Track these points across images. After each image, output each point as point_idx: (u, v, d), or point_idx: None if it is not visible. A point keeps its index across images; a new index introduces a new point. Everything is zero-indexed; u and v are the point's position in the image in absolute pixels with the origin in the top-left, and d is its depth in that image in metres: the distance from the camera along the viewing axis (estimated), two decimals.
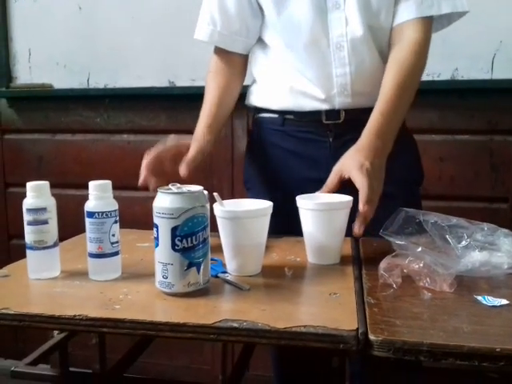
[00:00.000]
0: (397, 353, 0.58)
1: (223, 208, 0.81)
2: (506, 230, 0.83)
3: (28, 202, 0.79)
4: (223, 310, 0.69)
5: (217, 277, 0.80)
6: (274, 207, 0.83)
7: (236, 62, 1.14)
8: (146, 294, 0.74)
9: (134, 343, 1.12)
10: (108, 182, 0.80)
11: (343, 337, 0.60)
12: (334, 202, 0.88)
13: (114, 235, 0.79)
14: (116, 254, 0.80)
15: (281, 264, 0.88)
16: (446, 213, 0.84)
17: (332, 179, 0.93)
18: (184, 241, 0.70)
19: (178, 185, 0.74)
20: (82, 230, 0.82)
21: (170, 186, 0.74)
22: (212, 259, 0.80)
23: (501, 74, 1.61)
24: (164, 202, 0.71)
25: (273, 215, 0.83)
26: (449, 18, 1.07)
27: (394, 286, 0.75)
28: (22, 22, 1.98)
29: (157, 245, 0.72)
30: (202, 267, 0.73)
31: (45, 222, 0.80)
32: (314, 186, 0.94)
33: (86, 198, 0.79)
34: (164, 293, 0.73)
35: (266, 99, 1.14)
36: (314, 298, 0.73)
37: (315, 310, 0.69)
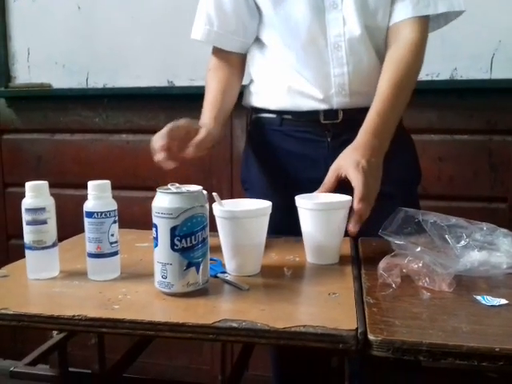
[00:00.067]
0: (396, 353, 0.58)
1: (222, 208, 0.81)
2: (504, 230, 0.83)
3: (27, 202, 0.79)
4: (222, 310, 0.69)
5: (216, 277, 0.80)
6: (273, 207, 0.83)
7: (234, 61, 1.15)
8: (145, 294, 0.74)
9: (133, 343, 1.12)
10: (107, 182, 0.80)
11: (342, 337, 0.60)
12: (332, 202, 0.88)
13: (113, 235, 0.79)
14: (115, 253, 0.80)
15: (280, 264, 0.88)
16: (445, 212, 0.84)
17: (329, 178, 0.93)
18: (183, 241, 0.70)
19: (177, 185, 0.74)
20: (81, 229, 0.82)
21: (169, 185, 0.74)
22: (211, 259, 0.80)
23: (500, 73, 1.61)
24: (163, 201, 0.71)
25: (271, 215, 0.83)
26: (445, 18, 1.08)
27: (393, 285, 0.75)
28: (21, 21, 1.98)
29: (156, 245, 0.72)
30: (201, 267, 0.73)
31: (44, 222, 0.79)
32: (313, 185, 0.94)
33: (84, 197, 0.79)
34: (163, 293, 0.73)
35: (264, 99, 1.14)
36: (314, 298, 0.73)
37: (314, 309, 0.69)
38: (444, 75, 1.65)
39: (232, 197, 1.73)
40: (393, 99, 0.98)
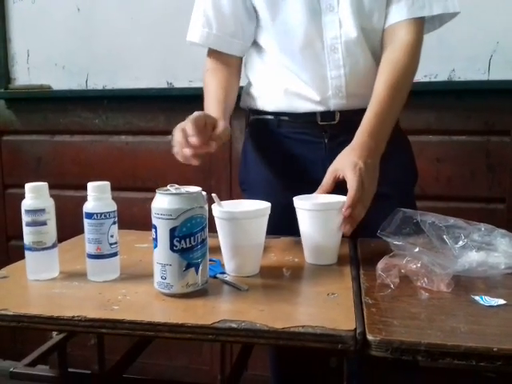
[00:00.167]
0: (394, 353, 0.58)
1: (221, 209, 0.81)
2: (502, 231, 0.84)
3: (27, 203, 0.79)
4: (222, 311, 0.69)
5: (215, 277, 0.81)
6: (271, 208, 0.83)
7: (232, 63, 1.14)
8: (145, 294, 0.74)
9: (132, 344, 1.12)
10: (106, 183, 0.80)
11: (341, 337, 0.60)
12: (330, 202, 0.88)
13: (112, 236, 0.79)
14: (115, 254, 0.81)
15: (279, 264, 0.88)
16: (444, 213, 0.85)
17: (327, 180, 0.94)
18: (182, 241, 0.71)
19: (177, 186, 0.74)
20: (81, 230, 0.82)
21: (168, 186, 0.74)
22: (210, 260, 0.80)
23: (497, 75, 1.61)
24: (162, 202, 0.71)
25: (270, 216, 0.83)
26: (440, 19, 1.08)
27: (392, 286, 0.75)
28: (21, 23, 1.98)
29: (155, 246, 0.73)
30: (200, 268, 0.73)
31: (43, 223, 0.80)
32: (311, 186, 0.94)
33: (84, 199, 0.79)
34: (163, 293, 0.73)
35: (261, 101, 1.14)
36: (312, 299, 0.73)
37: (313, 310, 0.69)
38: (442, 76, 1.66)
39: (231, 198, 1.73)
40: (389, 100, 0.99)
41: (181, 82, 1.85)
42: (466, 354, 0.57)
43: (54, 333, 1.05)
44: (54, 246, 0.82)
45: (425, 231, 0.80)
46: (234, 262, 0.82)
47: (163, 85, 1.88)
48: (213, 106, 1.04)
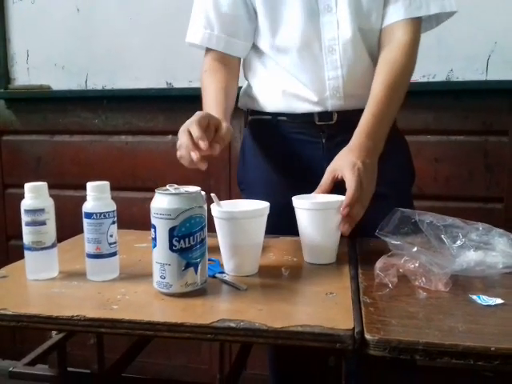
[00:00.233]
0: (392, 352, 0.58)
1: (220, 209, 0.81)
2: (500, 230, 0.84)
3: (26, 203, 0.80)
4: (220, 310, 0.70)
5: (214, 277, 0.81)
6: (269, 208, 0.84)
7: (231, 63, 1.13)
8: (144, 294, 0.74)
9: (132, 343, 1.12)
10: (106, 183, 0.80)
11: (339, 336, 0.60)
12: (329, 202, 0.88)
13: (111, 236, 0.80)
14: (114, 254, 0.81)
15: (278, 264, 0.88)
16: (442, 213, 0.85)
17: (326, 180, 0.94)
18: (182, 241, 0.71)
19: (176, 185, 0.75)
20: (80, 230, 0.83)
21: (167, 186, 0.74)
22: (209, 259, 0.80)
23: (496, 75, 1.62)
24: (162, 202, 0.71)
25: (268, 215, 0.84)
26: (437, 19, 1.08)
27: (390, 285, 0.76)
28: (21, 23, 1.98)
29: (154, 245, 0.73)
30: (199, 267, 0.73)
31: (43, 223, 0.80)
32: (309, 186, 0.94)
33: (84, 198, 0.80)
34: (162, 293, 0.73)
35: (259, 102, 1.14)
36: (311, 298, 0.74)
37: (312, 309, 0.69)
38: (440, 76, 1.66)
39: (230, 198, 1.74)
40: (387, 100, 0.99)
41: (180, 82, 1.86)
42: (464, 353, 0.57)
43: (54, 332, 1.06)
44: (53, 245, 0.82)
45: (423, 231, 0.81)
46: (233, 261, 0.82)
47: (163, 85, 1.88)
48: (213, 107, 1.02)
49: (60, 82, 1.97)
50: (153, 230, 0.72)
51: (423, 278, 0.75)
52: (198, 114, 0.86)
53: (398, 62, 1.01)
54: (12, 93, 2.00)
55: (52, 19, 1.94)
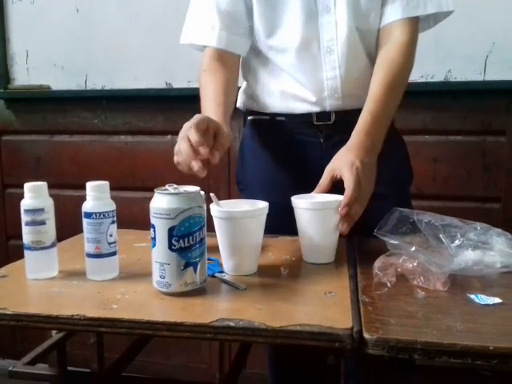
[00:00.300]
0: (391, 351, 0.58)
1: (220, 208, 0.82)
2: (498, 230, 0.84)
3: (26, 203, 0.80)
4: (220, 310, 0.70)
5: (213, 276, 0.81)
6: (268, 207, 0.84)
7: (231, 63, 1.12)
8: (144, 293, 0.74)
9: (131, 342, 1.12)
10: (105, 183, 0.81)
11: (338, 335, 0.61)
12: (328, 201, 0.88)
13: (111, 235, 0.80)
14: (113, 254, 0.81)
15: (277, 263, 0.88)
16: (440, 212, 0.85)
17: (324, 179, 0.94)
18: (181, 241, 0.71)
19: (175, 185, 0.75)
20: (80, 230, 0.83)
21: (166, 186, 0.74)
22: (209, 259, 0.80)
23: (494, 75, 1.62)
24: (161, 202, 0.71)
25: (268, 215, 0.84)
26: (435, 18, 1.09)
27: (389, 284, 0.76)
28: (20, 23, 1.98)
29: (154, 245, 0.73)
30: (198, 267, 0.73)
31: (42, 223, 0.80)
32: (308, 186, 0.95)
33: (83, 198, 0.80)
34: (161, 292, 0.74)
35: (257, 102, 1.15)
36: (310, 297, 0.74)
37: (311, 308, 0.69)
38: (438, 77, 1.66)
39: (229, 197, 1.74)
40: (385, 100, 0.99)
41: (179, 83, 1.86)
42: (462, 352, 0.57)
43: (54, 332, 1.06)
44: (53, 245, 0.82)
45: (421, 230, 0.81)
46: (232, 261, 0.83)
47: (162, 85, 1.88)
48: (212, 109, 1.00)
49: (59, 82, 1.97)
50: (152, 229, 0.73)
51: (421, 278, 0.76)
52: (196, 117, 0.84)
53: (395, 62, 1.02)
54: (12, 93, 2.00)
55: (51, 19, 1.94)
